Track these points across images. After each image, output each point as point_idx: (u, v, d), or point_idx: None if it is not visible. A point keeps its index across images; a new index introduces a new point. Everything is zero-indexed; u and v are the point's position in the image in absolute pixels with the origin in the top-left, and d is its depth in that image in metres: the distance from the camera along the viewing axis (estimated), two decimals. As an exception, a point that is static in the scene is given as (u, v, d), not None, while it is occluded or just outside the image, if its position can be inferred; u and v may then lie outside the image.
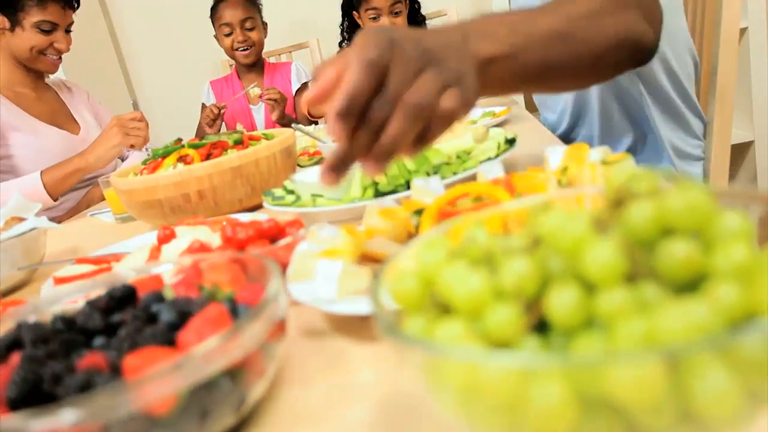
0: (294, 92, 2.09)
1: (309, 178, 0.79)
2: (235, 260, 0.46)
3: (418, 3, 2.00)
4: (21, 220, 0.82)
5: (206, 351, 0.32)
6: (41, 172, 1.28)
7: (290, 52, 2.27)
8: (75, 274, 0.69)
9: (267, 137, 1.03)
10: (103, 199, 1.38)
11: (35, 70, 1.52)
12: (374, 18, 1.88)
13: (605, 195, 0.31)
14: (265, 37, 2.05)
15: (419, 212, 0.59)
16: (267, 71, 2.09)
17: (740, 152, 2.05)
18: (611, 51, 0.67)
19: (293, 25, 2.49)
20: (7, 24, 1.42)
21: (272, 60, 2.28)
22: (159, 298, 0.43)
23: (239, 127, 1.34)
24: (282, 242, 0.54)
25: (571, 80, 0.71)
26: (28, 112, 1.49)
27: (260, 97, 1.91)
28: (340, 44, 2.07)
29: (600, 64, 0.68)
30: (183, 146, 0.95)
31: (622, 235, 0.25)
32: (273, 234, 0.57)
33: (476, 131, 0.80)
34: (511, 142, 0.80)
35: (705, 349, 0.20)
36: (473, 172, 0.74)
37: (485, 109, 1.26)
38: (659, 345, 0.21)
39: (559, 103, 1.20)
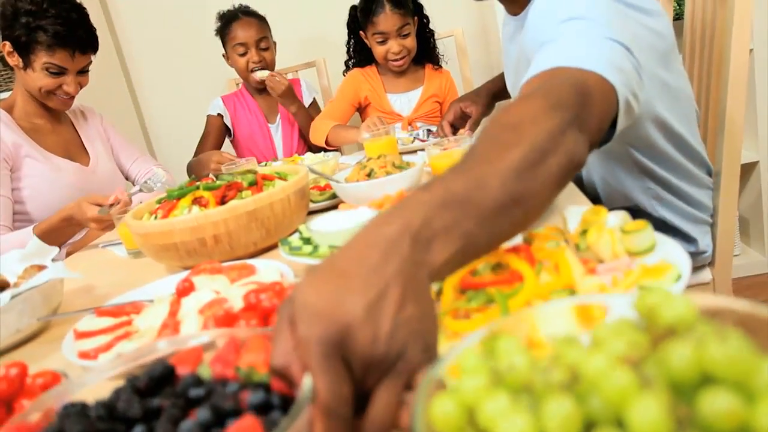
0: (307, 106, 2.09)
1: (325, 226, 0.80)
2: (269, 338, 0.47)
3: (427, 18, 1.98)
4: (40, 268, 0.82)
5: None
6: (33, 227, 1.28)
7: (297, 71, 2.28)
8: (96, 329, 0.70)
9: (281, 176, 1.04)
10: (113, 227, 1.39)
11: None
12: (382, 42, 1.86)
13: (640, 319, 0.31)
14: (275, 57, 2.07)
15: (439, 276, 0.60)
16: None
17: (745, 172, 2.05)
18: (557, 191, 0.57)
19: (300, 44, 2.50)
20: (21, 62, 1.44)
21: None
22: (197, 381, 0.43)
23: (251, 163, 1.34)
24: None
25: (523, 226, 0.56)
26: (43, 145, 1.51)
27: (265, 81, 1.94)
28: (346, 63, 2.07)
29: (546, 205, 0.57)
30: (197, 188, 0.96)
31: (664, 382, 0.26)
32: (296, 300, 0.58)
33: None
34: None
35: None
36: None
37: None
38: None
39: None
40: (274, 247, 0.96)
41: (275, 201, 0.91)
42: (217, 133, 2.09)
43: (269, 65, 1.99)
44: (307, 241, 0.82)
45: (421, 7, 1.95)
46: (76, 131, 1.64)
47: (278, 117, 2.10)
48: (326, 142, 1.79)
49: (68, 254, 1.45)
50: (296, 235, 0.86)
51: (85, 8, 1.49)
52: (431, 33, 2.01)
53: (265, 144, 2.10)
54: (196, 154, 2.05)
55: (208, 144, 2.06)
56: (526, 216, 0.53)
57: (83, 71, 1.49)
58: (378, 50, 1.88)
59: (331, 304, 0.39)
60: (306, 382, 0.37)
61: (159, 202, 1.02)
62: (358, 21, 1.91)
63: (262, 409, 0.40)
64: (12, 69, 1.50)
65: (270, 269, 0.76)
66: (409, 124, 1.93)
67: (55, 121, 1.58)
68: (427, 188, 0.48)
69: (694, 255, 1.21)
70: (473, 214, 0.48)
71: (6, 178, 1.39)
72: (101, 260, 1.18)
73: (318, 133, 1.83)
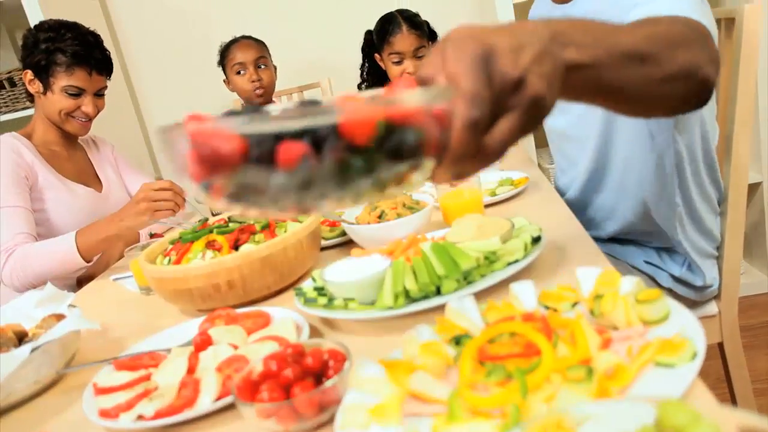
0: None
1: (339, 276, 0.80)
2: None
3: (437, 35, 2.01)
4: (58, 317, 0.83)
5: None
6: (76, 234, 1.30)
7: (302, 91, 2.30)
8: (115, 385, 0.70)
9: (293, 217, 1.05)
10: (122, 256, 1.40)
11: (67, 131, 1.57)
12: (398, 62, 1.89)
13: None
14: (275, 80, 2.09)
15: (458, 341, 0.61)
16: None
17: (749, 193, 2.06)
18: (680, 81, 0.66)
19: (305, 63, 2.51)
20: (41, 88, 1.51)
21: (284, 98, 2.30)
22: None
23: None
24: (328, 384, 0.56)
25: (638, 104, 0.69)
26: (60, 171, 1.56)
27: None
28: (359, 86, 2.09)
29: (668, 92, 0.67)
30: (211, 231, 0.97)
31: None
32: (317, 369, 0.59)
33: (502, 230, 0.82)
34: (536, 240, 0.82)
35: None
36: (504, 276, 0.76)
37: (502, 175, 1.28)
38: None
39: (576, 173, 1.23)
40: (286, 289, 0.97)
41: (288, 246, 0.92)
42: None
43: (267, 85, 2.02)
44: (321, 290, 0.83)
45: (436, 35, 1.98)
46: (89, 160, 1.69)
47: None
48: None
49: (79, 282, 1.46)
50: (310, 283, 0.87)
51: (99, 34, 1.58)
52: None
53: None
54: None
55: None
56: (646, 78, 0.61)
57: (100, 94, 1.56)
58: (393, 71, 1.90)
59: (484, 33, 0.47)
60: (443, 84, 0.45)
61: (172, 242, 1.03)
62: (373, 44, 1.95)
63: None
64: (13, 92, 1.54)
65: (285, 321, 0.77)
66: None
67: (71, 149, 1.64)
68: (568, 18, 0.58)
69: (701, 289, 1.22)
70: (604, 47, 0.56)
71: (26, 193, 1.44)
72: (113, 296, 1.19)
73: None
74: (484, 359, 0.56)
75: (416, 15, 1.91)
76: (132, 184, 1.75)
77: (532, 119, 0.47)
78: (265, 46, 2.06)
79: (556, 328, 0.58)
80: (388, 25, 1.88)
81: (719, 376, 1.49)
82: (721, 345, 1.32)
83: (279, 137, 0.37)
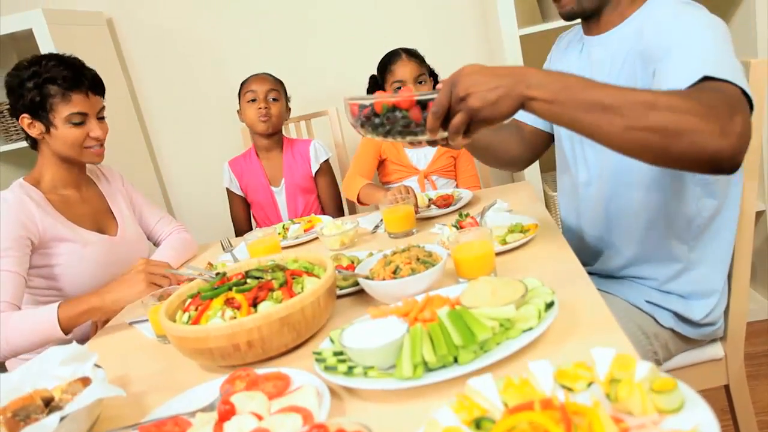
0: (314, 172, 2.13)
1: (358, 341, 0.82)
2: None
3: (437, 76, 2.08)
4: (84, 381, 0.85)
5: None
6: (59, 306, 1.25)
7: (309, 119, 2.33)
8: (143, 456, 0.73)
9: (308, 270, 1.07)
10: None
11: (78, 166, 1.54)
12: (399, 88, 1.94)
13: None
14: (286, 119, 2.13)
15: (478, 424, 0.63)
16: (285, 147, 2.14)
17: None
18: (655, 135, 0.79)
19: (316, 94, 2.55)
20: (43, 128, 1.45)
21: (291, 125, 2.33)
22: None
23: (276, 258, 1.33)
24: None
25: (608, 144, 0.85)
26: (72, 218, 1.50)
27: None
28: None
29: (638, 141, 0.81)
30: (230, 288, 0.99)
31: None
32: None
33: (516, 295, 0.84)
34: (550, 305, 0.84)
35: None
36: (519, 346, 0.79)
37: (513, 219, 1.30)
38: None
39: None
40: (302, 345, 0.99)
41: (306, 305, 0.94)
42: (238, 201, 2.19)
43: (274, 116, 2.05)
44: (339, 354, 0.85)
45: (436, 76, 2.07)
46: (102, 194, 1.64)
47: (282, 181, 2.14)
48: (358, 200, 1.86)
49: (94, 327, 1.45)
50: (328, 345, 0.90)
51: (78, 57, 1.52)
52: None
53: (270, 207, 2.14)
54: (233, 222, 2.15)
55: (235, 213, 2.20)
56: (608, 124, 0.81)
57: (101, 117, 1.51)
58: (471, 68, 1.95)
59: (471, 69, 0.87)
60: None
61: (191, 296, 1.05)
62: (377, 86, 2.03)
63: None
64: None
65: (307, 390, 0.79)
66: (425, 178, 1.98)
67: (82, 187, 1.59)
68: (560, 72, 0.85)
69: (702, 326, 1.23)
70: (567, 93, 0.82)
71: (25, 257, 1.39)
72: (130, 342, 1.20)
73: (351, 191, 1.89)
74: (505, 450, 0.58)
75: (416, 50, 2.00)
76: (150, 219, 1.75)
77: (477, 120, 0.88)
78: (282, 84, 2.11)
79: (574, 417, 0.60)
80: (389, 57, 1.99)
81: (723, 406, 1.51)
82: (726, 386, 1.34)
83: (363, 107, 0.95)
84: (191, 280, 1.19)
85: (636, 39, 1.10)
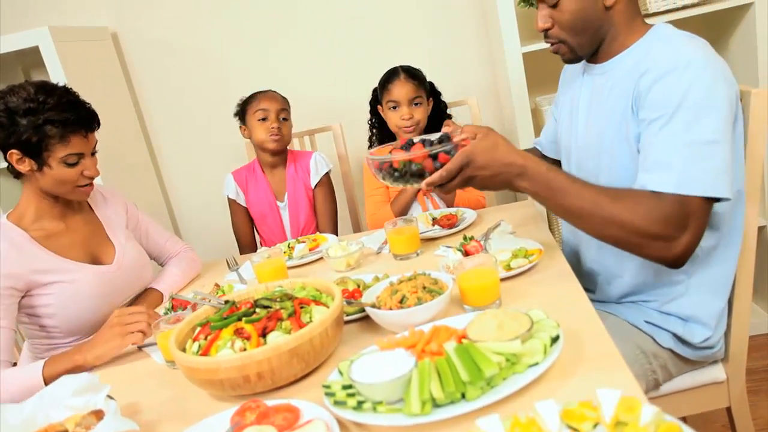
0: (313, 185, 2.15)
1: (367, 375, 0.83)
2: None
3: (445, 104, 2.11)
4: (98, 415, 0.87)
5: None
6: (44, 364, 1.23)
7: (314, 134, 2.34)
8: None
9: (316, 299, 1.08)
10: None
11: (64, 200, 1.48)
12: (394, 108, 1.96)
13: None
14: (291, 135, 2.15)
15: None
16: (289, 160, 2.16)
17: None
18: (620, 243, 1.07)
19: (320, 110, 2.57)
20: (34, 165, 1.36)
21: (295, 139, 2.34)
22: None
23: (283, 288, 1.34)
24: None
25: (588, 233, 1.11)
26: (61, 252, 1.43)
27: None
28: (369, 139, 2.17)
29: (610, 240, 1.08)
30: (239, 318, 1.01)
31: None
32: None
33: (522, 329, 0.86)
34: (555, 339, 0.86)
35: None
36: (525, 382, 0.80)
37: (517, 243, 1.32)
38: None
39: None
40: (310, 374, 1.00)
41: (314, 336, 0.95)
42: (241, 212, 2.18)
43: (285, 135, 2.06)
44: (348, 386, 0.87)
45: (438, 94, 2.08)
46: (97, 218, 1.57)
47: (286, 195, 2.15)
48: (397, 215, 1.99)
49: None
50: (336, 377, 0.91)
51: (71, 88, 1.43)
52: (446, 105, 2.10)
53: (275, 222, 2.15)
54: (235, 235, 2.16)
55: (237, 226, 2.19)
56: (583, 225, 1.09)
57: (94, 152, 1.44)
58: (390, 117, 1.99)
59: (485, 150, 1.08)
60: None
61: (200, 324, 1.06)
62: (377, 97, 2.04)
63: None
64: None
65: (316, 425, 0.80)
66: (424, 195, 2.00)
67: (69, 216, 1.50)
68: (541, 173, 1.08)
69: (704, 349, 1.25)
70: (549, 195, 1.08)
71: (12, 307, 1.34)
72: (140, 367, 1.22)
73: (383, 218, 1.94)
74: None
75: (417, 69, 2.01)
76: (160, 239, 1.73)
77: (478, 186, 1.12)
78: (288, 103, 2.12)
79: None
80: (389, 75, 2.00)
81: (724, 422, 1.52)
82: (728, 408, 1.35)
83: (383, 163, 1.14)
84: (195, 307, 1.21)
85: (635, 72, 1.12)
